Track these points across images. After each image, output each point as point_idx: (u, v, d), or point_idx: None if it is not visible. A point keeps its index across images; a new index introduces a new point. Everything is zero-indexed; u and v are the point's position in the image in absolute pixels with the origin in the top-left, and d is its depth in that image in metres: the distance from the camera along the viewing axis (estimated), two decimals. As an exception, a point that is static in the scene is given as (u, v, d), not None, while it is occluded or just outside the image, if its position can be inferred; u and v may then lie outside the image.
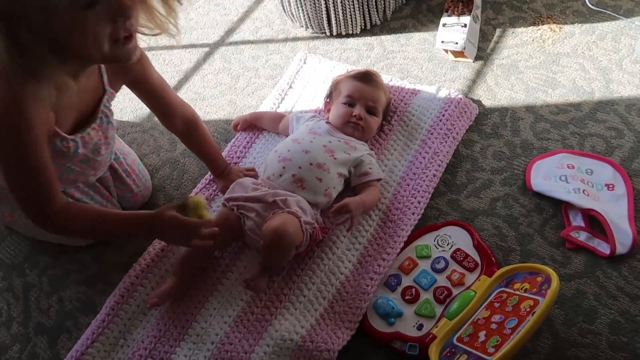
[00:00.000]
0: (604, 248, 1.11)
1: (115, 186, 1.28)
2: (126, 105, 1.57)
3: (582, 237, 1.13)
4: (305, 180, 1.16)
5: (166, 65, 1.66)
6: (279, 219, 1.06)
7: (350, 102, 1.28)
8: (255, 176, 1.29)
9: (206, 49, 1.69)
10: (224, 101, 1.54)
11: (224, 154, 1.38)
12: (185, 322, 1.13)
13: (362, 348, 1.06)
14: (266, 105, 1.47)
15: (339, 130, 1.28)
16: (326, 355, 1.01)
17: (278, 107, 1.46)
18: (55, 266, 1.30)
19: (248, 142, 1.40)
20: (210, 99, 1.55)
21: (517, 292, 0.98)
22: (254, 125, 1.43)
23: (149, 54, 1.68)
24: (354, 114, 1.26)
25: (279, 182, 1.17)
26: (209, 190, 1.32)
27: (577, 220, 1.15)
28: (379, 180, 1.23)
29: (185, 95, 1.57)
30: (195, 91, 1.58)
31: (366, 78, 1.31)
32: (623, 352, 1.00)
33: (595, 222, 1.14)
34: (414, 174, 1.27)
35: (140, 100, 1.18)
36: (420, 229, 1.19)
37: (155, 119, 1.53)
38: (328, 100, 1.36)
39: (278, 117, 1.40)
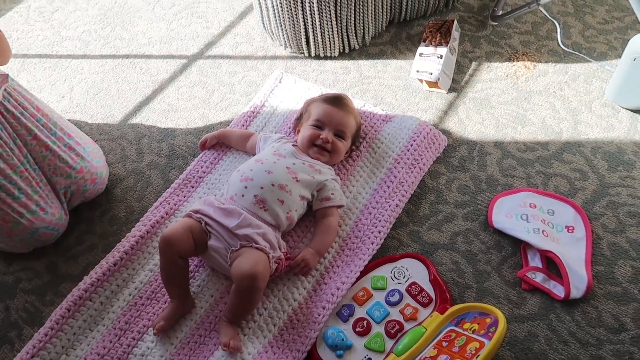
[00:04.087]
0: (559, 291, 1.10)
1: (52, 165, 1.23)
2: (97, 112, 1.55)
3: (539, 278, 1.12)
4: (267, 202, 1.14)
5: (142, 74, 1.65)
6: (249, 260, 1.04)
7: (319, 125, 1.27)
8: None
9: (184, 61, 1.68)
10: (196, 115, 1.53)
11: (189, 169, 1.37)
12: (132, 341, 1.10)
13: (308, 379, 1.04)
14: (237, 122, 1.46)
15: (305, 153, 1.27)
16: (270, 384, 0.99)
17: (249, 124, 1.45)
18: (6, 273, 1.26)
19: (215, 159, 1.39)
20: (183, 111, 1.54)
21: (466, 333, 0.96)
22: (222, 142, 1.42)
23: (126, 62, 1.68)
24: (321, 136, 1.25)
25: (242, 203, 1.16)
26: (169, 203, 1.30)
27: (535, 261, 1.15)
28: (340, 206, 1.22)
29: (158, 105, 1.55)
30: (169, 102, 1.56)
31: (337, 102, 1.30)
32: (570, 399, 0.99)
33: (552, 264, 1.13)
34: (377, 202, 1.25)
35: (111, 108, 1.14)
36: (378, 260, 1.17)
37: (126, 128, 1.50)
38: (298, 122, 1.35)
39: (246, 136, 1.38)
